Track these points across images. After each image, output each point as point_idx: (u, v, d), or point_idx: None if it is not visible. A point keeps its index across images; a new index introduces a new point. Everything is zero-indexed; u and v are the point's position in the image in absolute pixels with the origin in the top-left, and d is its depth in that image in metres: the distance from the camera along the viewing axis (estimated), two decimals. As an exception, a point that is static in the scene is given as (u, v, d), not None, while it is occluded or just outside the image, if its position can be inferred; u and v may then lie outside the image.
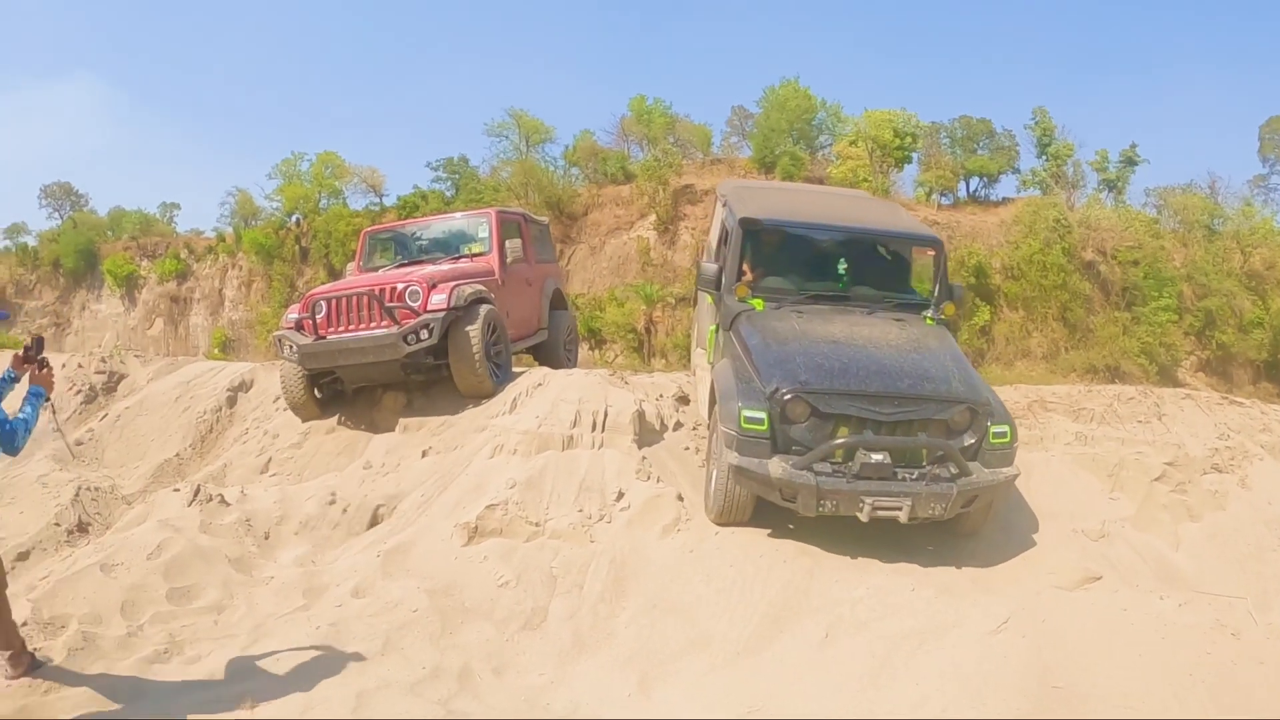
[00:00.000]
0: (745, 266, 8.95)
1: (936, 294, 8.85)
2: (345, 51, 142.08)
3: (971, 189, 47.96)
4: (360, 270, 12.15)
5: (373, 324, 10.06)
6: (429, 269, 10.92)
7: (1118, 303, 39.07)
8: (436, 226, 13.02)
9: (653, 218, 43.76)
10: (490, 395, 10.12)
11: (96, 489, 9.18)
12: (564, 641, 6.47)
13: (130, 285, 56.27)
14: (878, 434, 7.04)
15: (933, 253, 9.12)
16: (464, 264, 11.39)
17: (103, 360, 12.83)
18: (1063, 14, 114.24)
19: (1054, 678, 4.88)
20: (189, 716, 5.16)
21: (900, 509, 6.75)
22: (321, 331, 10.21)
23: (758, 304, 8.41)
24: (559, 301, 14.23)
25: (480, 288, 10.69)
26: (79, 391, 11.98)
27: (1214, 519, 8.32)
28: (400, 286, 10.12)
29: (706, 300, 9.95)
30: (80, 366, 12.53)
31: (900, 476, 6.88)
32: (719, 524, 7.52)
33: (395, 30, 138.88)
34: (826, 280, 9.08)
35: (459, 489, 8.35)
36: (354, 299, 10.21)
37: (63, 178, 75.94)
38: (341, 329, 10.19)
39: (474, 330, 9.99)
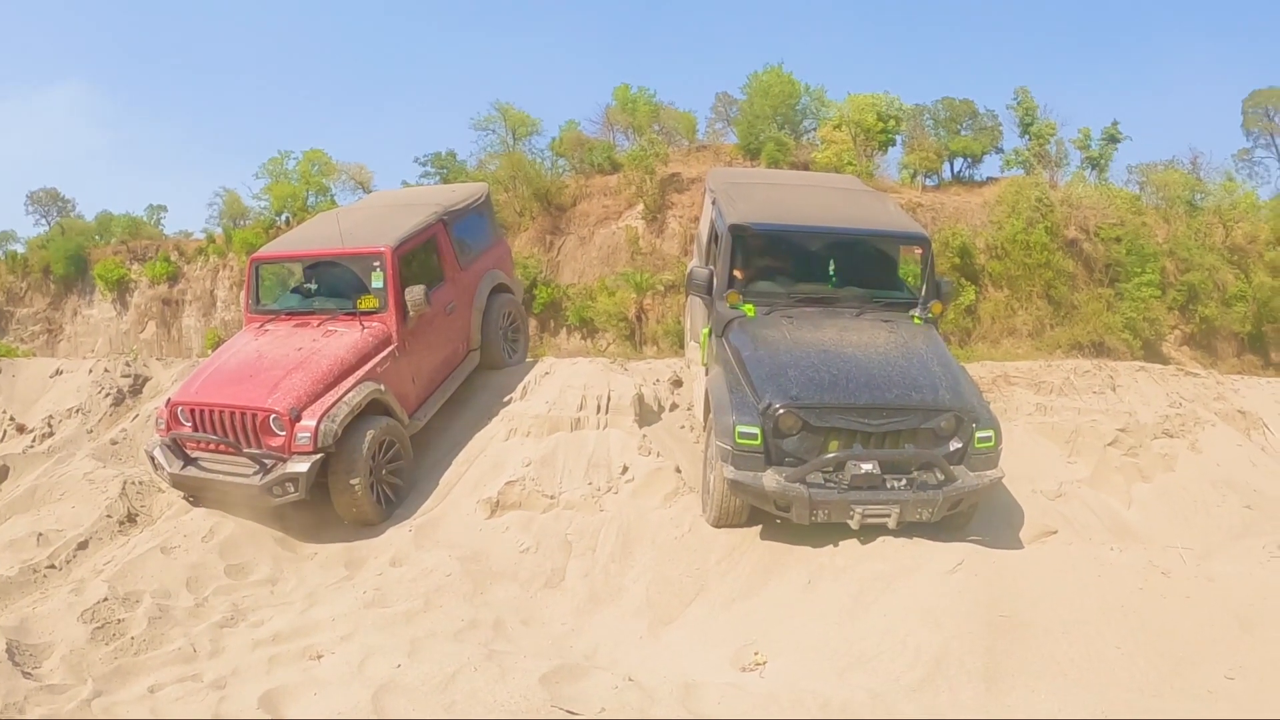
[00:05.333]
0: (736, 270, 8.99)
1: (924, 292, 9.00)
2: (329, 49, 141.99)
3: (956, 170, 47.90)
4: (249, 312, 10.46)
5: (238, 452, 8.65)
6: (302, 364, 8.99)
7: (1101, 279, 38.98)
8: (327, 270, 10.59)
9: (640, 207, 43.48)
10: (377, 524, 8.83)
11: (140, 483, 9.57)
12: (581, 597, 7.45)
13: (121, 289, 54.90)
14: (867, 445, 7.30)
15: (920, 250, 9.27)
16: (347, 346, 9.31)
17: (127, 364, 13.23)
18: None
19: (1001, 607, 5.66)
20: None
21: (889, 516, 7.02)
22: (188, 450, 8.92)
23: (749, 310, 8.58)
24: (501, 289, 12.07)
25: (370, 387, 9.02)
26: (107, 395, 12.44)
27: (1164, 479, 9.11)
28: (260, 416, 8.56)
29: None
30: (107, 371, 12.95)
31: (889, 485, 7.16)
32: (716, 526, 7.91)
33: (378, 26, 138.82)
34: (816, 281, 9.23)
35: (479, 469, 9.20)
36: (214, 416, 8.77)
37: (49, 184, 75.03)
38: (208, 448, 8.87)
39: (357, 481, 8.61)
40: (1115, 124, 45.57)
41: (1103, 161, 45.69)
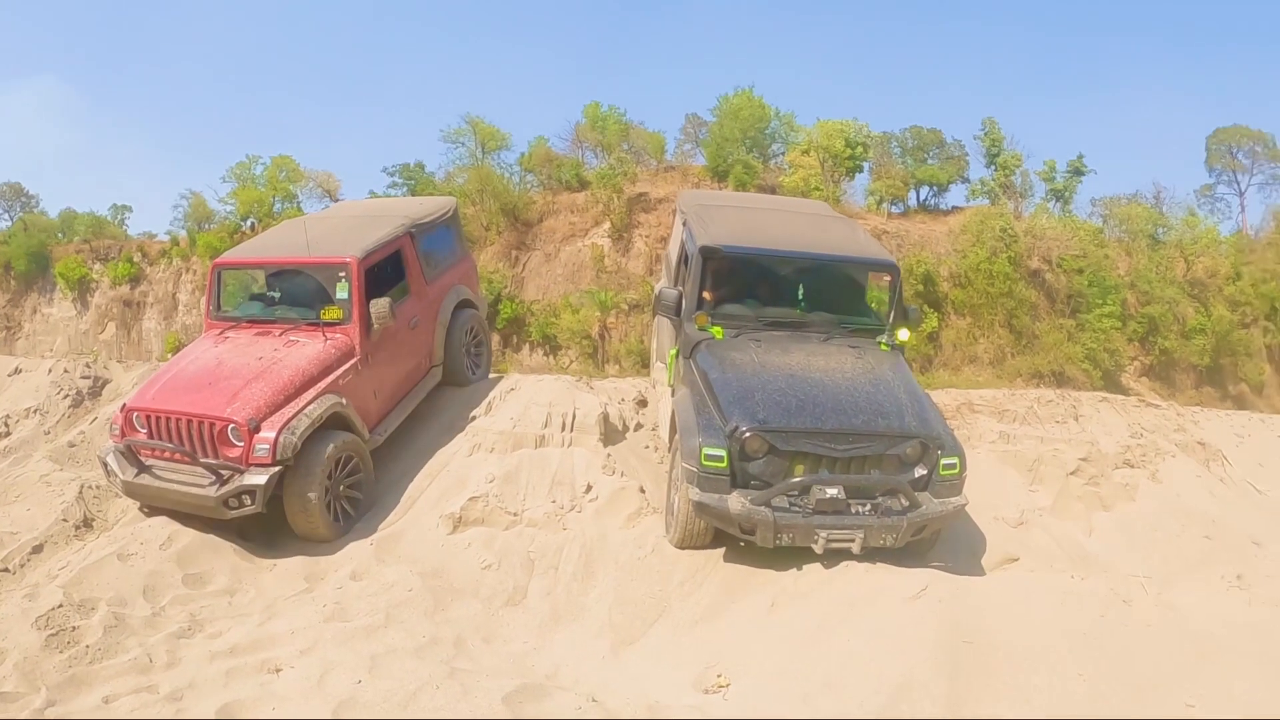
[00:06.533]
0: (705, 292, 8.99)
1: (892, 319, 9.02)
2: (301, 55, 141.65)
3: (921, 198, 48.14)
4: (210, 318, 10.26)
5: (194, 461, 8.45)
6: (262, 374, 8.81)
7: (1063, 310, 39.45)
8: (291, 278, 10.41)
9: (607, 225, 43.43)
10: (330, 541, 8.63)
11: (97, 487, 9.49)
12: (543, 615, 7.38)
13: (82, 289, 54.27)
14: (833, 469, 7.33)
15: (889, 277, 9.23)
16: (309, 357, 9.14)
17: (87, 365, 13.07)
18: (1014, 27, 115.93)
19: (965, 634, 5.65)
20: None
21: (853, 541, 7.02)
22: (142, 456, 8.72)
23: (717, 332, 8.60)
24: (466, 304, 11.89)
25: (331, 400, 8.86)
26: (66, 396, 12.27)
27: (1124, 509, 9.22)
28: (218, 425, 8.35)
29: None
30: (66, 372, 12.80)
31: (854, 510, 7.18)
32: (679, 548, 7.88)
33: (351, 35, 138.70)
34: (785, 305, 9.31)
35: (442, 484, 9.11)
36: (170, 424, 8.56)
37: (13, 179, 74.02)
38: (163, 456, 8.67)
39: (312, 495, 8.44)
40: (1080, 157, 46.32)
41: (1067, 194, 46.34)
